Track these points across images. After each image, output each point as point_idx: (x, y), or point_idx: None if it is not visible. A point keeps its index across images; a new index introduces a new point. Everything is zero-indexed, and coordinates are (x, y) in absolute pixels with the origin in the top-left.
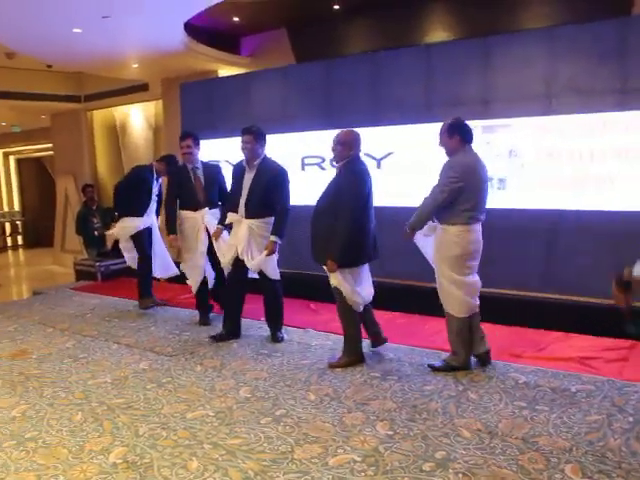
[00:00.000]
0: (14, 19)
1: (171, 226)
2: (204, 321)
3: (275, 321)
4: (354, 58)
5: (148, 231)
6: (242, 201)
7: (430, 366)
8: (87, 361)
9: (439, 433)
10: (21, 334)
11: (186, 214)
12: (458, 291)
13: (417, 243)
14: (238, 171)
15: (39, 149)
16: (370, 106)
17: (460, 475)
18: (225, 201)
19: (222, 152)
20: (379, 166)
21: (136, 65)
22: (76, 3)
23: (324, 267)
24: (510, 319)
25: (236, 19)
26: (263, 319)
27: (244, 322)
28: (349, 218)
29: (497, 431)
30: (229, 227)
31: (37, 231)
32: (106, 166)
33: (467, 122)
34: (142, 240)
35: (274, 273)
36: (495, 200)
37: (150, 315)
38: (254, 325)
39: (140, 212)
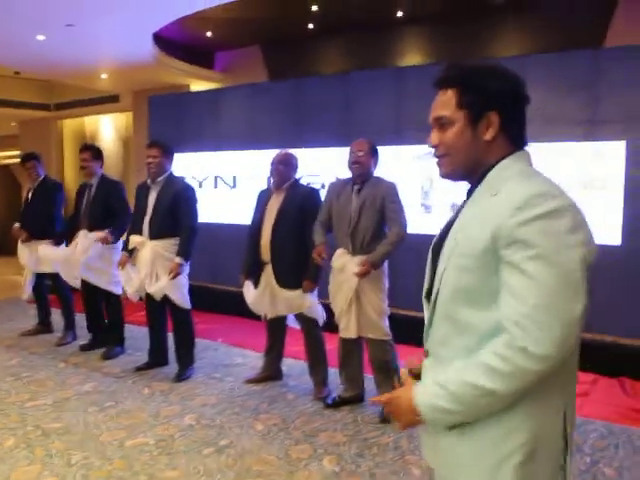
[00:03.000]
0: None
1: None
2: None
3: (183, 356)
4: (326, 78)
5: None
6: (146, 221)
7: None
8: (29, 380)
9: (388, 470)
10: None
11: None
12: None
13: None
14: (142, 191)
15: (7, 156)
16: (340, 127)
17: None
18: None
19: (189, 167)
20: None
21: (105, 75)
22: (40, 9)
23: (287, 291)
24: None
25: (209, 34)
26: (220, 340)
27: (200, 343)
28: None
29: None
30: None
31: (2, 239)
32: (74, 175)
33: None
34: None
35: (183, 301)
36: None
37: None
38: (210, 346)
39: None
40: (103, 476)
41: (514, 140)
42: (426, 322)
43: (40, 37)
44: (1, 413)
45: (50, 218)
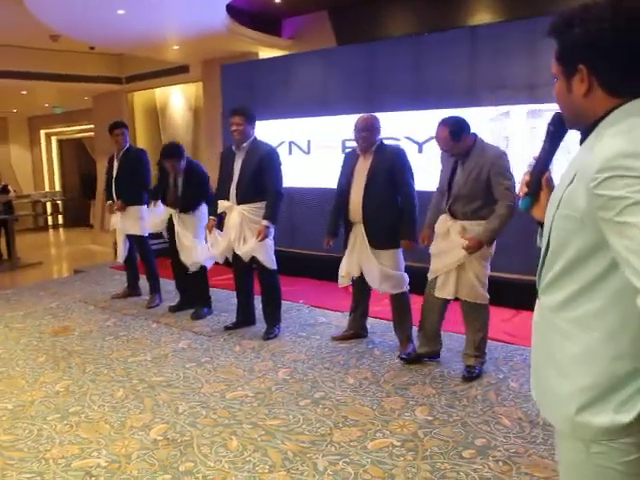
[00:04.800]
0: (60, 2)
1: None
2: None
3: (270, 315)
4: (396, 41)
5: None
6: (232, 186)
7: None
8: (127, 339)
9: (479, 420)
10: (63, 311)
11: None
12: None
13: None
14: (227, 156)
15: (80, 130)
16: (412, 90)
17: (501, 463)
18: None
19: (263, 134)
20: (420, 150)
21: (177, 47)
22: None
23: (375, 251)
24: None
25: (278, 1)
26: (302, 301)
27: (283, 304)
28: (414, 197)
29: (538, 420)
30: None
31: (77, 211)
32: (146, 147)
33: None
34: None
35: (270, 262)
36: None
37: None
38: (293, 307)
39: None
40: (210, 424)
41: (619, 91)
42: (539, 267)
43: (120, 12)
44: (107, 367)
45: (142, 185)
